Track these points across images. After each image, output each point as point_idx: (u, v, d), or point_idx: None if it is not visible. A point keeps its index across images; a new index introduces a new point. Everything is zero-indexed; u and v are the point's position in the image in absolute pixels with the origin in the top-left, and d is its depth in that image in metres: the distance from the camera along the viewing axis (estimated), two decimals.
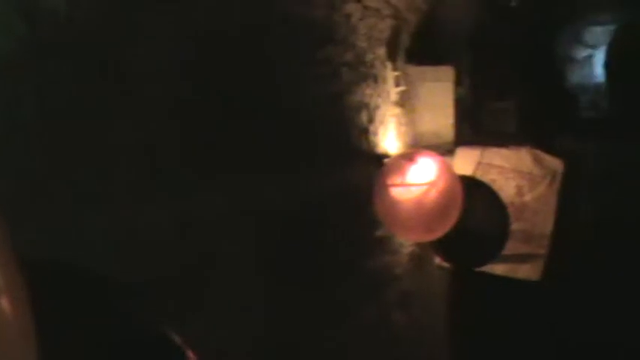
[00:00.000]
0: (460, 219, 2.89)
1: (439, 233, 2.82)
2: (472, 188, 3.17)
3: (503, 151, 3.67)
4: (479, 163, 3.60)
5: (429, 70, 3.75)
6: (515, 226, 3.55)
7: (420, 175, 2.88)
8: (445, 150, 3.67)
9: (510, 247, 3.54)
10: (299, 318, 2.37)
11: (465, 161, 3.61)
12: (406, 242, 3.22)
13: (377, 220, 2.92)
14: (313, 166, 2.55)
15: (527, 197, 3.60)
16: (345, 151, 2.79)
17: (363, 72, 2.96)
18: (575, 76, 11.89)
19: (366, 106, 2.94)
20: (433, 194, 2.84)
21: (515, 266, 3.61)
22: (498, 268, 3.59)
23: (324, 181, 2.60)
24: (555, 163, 3.65)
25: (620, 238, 3.88)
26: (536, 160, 3.64)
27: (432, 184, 2.84)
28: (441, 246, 3.22)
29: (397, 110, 3.40)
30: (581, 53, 12.48)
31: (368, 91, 2.98)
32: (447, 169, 2.86)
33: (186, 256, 1.78)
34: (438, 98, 3.73)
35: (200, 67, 1.84)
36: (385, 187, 2.84)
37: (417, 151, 2.94)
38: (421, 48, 3.80)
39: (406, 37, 3.75)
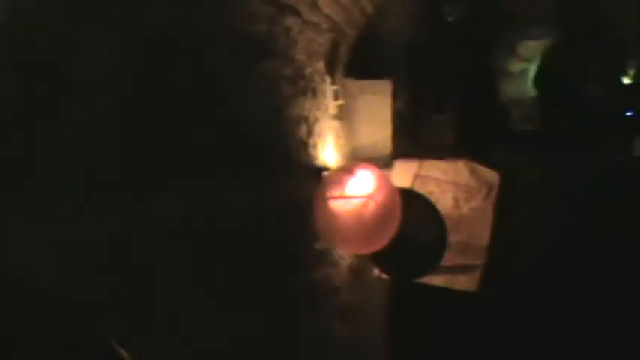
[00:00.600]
0: (398, 231, 2.95)
1: (378, 245, 2.88)
2: (410, 200, 3.25)
3: (441, 164, 3.77)
4: (417, 176, 3.69)
5: (367, 84, 3.83)
6: (452, 237, 3.64)
7: (359, 187, 2.94)
8: (383, 163, 3.75)
9: (448, 259, 3.63)
10: (239, 330, 2.40)
11: (403, 174, 3.69)
12: (346, 254, 3.28)
13: (316, 232, 2.96)
14: (252, 180, 2.58)
15: (464, 209, 3.71)
16: (285, 164, 2.83)
17: (302, 85, 3.01)
18: (511, 90, 12.20)
19: (305, 119, 2.99)
20: (372, 207, 2.90)
21: (453, 277, 3.71)
22: (437, 279, 3.68)
23: (264, 194, 2.63)
24: (491, 176, 3.76)
25: (554, 248, 4.04)
26: (473, 173, 3.75)
27: (370, 197, 2.90)
28: (380, 258, 3.29)
29: (336, 123, 3.46)
30: (517, 67, 12.80)
31: (307, 105, 3.03)
32: (385, 182, 2.92)
33: (126, 268, 1.79)
34: (376, 111, 3.81)
35: (141, 80, 1.87)
36: (324, 199, 2.88)
37: (355, 164, 3.01)
38: (360, 62, 3.88)
39: (345, 51, 3.83)
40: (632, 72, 12.11)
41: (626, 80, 12.25)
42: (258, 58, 2.60)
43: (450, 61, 4.21)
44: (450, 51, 4.36)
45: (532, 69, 13.90)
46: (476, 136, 4.00)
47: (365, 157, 3.76)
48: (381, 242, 2.89)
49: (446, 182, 3.72)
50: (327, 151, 3.27)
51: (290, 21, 2.86)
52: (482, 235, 3.69)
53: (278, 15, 2.73)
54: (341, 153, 3.51)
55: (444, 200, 3.69)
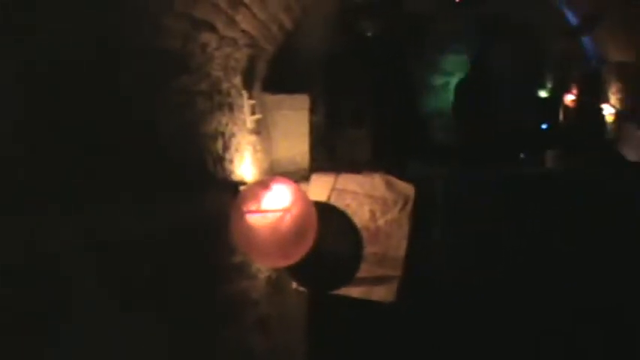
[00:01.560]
0: (314, 244, 3.06)
1: (294, 259, 2.98)
2: (326, 214, 3.36)
3: (357, 177, 3.91)
4: (333, 189, 3.80)
5: (285, 99, 3.94)
6: (369, 249, 3.77)
7: (275, 201, 3.03)
8: (301, 176, 3.86)
9: (365, 270, 3.76)
10: (157, 346, 2.45)
11: (320, 187, 3.80)
12: (263, 267, 3.37)
13: (234, 246, 3.04)
14: (168, 195, 2.63)
15: (381, 221, 3.84)
16: (201, 179, 2.90)
17: (218, 100, 3.09)
18: (432, 103, 12.55)
19: (222, 134, 3.07)
20: (288, 220, 3.00)
21: (370, 289, 3.83)
22: (354, 291, 3.80)
23: (180, 210, 2.69)
24: (407, 188, 3.90)
25: (471, 261, 4.23)
26: (389, 186, 3.88)
27: (286, 211, 2.99)
28: (297, 271, 3.39)
29: (253, 138, 3.55)
30: (439, 81, 13.17)
31: (223, 120, 3.11)
32: (301, 196, 3.03)
33: (41, 289, 1.83)
34: (294, 126, 3.92)
35: (53, 96, 1.91)
36: (241, 214, 2.97)
37: (271, 179, 3.10)
38: (278, 76, 3.99)
39: (263, 66, 3.93)
40: (549, 85, 12.63)
41: (543, 93, 12.77)
42: (174, 73, 2.66)
43: (369, 76, 4.36)
44: (368, 65, 4.51)
45: (453, 82, 14.33)
46: (393, 149, 4.14)
47: (283, 170, 3.86)
48: (297, 255, 2.98)
49: (362, 195, 3.84)
50: (244, 166, 3.35)
51: (206, 36, 2.93)
52: (399, 246, 3.82)
53: (194, 31, 2.80)
54: (259, 167, 3.60)
55: (360, 213, 3.81)
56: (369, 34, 5.09)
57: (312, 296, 3.84)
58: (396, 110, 4.59)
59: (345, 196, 3.83)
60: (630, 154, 7.87)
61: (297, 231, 3.00)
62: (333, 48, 4.50)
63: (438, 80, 13.96)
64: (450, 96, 13.97)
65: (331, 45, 4.56)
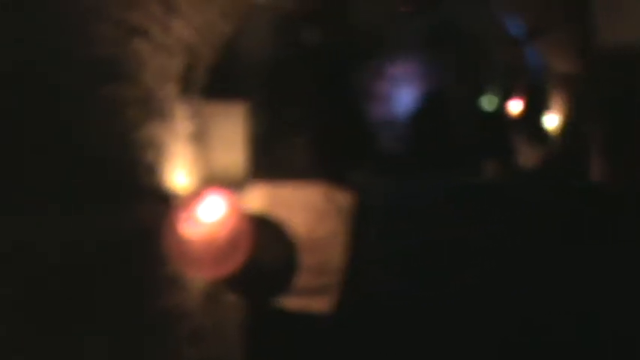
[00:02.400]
0: (249, 255, 3.05)
1: (228, 270, 2.97)
2: (261, 224, 3.35)
3: (295, 187, 3.92)
4: (270, 199, 3.80)
5: (223, 106, 3.91)
6: (307, 260, 3.78)
7: (210, 212, 3.02)
8: (238, 186, 3.84)
9: (303, 281, 3.77)
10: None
11: (257, 197, 3.79)
12: (198, 279, 3.35)
13: (166, 258, 3.01)
14: (99, 207, 2.60)
15: (319, 232, 3.86)
16: (132, 190, 2.87)
17: (151, 109, 3.06)
18: (378, 111, 12.64)
19: (154, 143, 3.04)
20: (222, 232, 2.99)
21: (309, 300, 3.83)
22: (292, 302, 3.80)
23: (110, 221, 2.66)
24: (345, 198, 3.92)
25: (410, 272, 4.27)
26: (328, 196, 3.90)
27: (220, 222, 2.98)
28: (232, 283, 3.37)
29: (189, 147, 3.52)
30: (385, 89, 13.27)
31: (157, 129, 3.08)
32: (236, 207, 3.02)
33: None
34: (231, 134, 3.90)
35: None
36: (175, 225, 2.95)
37: (205, 189, 3.08)
38: (216, 84, 3.96)
39: (201, 73, 3.90)
40: (494, 95, 12.86)
41: (489, 103, 12.98)
42: (103, 81, 2.63)
43: (311, 83, 4.35)
44: (310, 72, 4.50)
45: (401, 91, 14.47)
46: (333, 159, 4.15)
47: (220, 180, 3.83)
48: (230, 267, 2.98)
49: (299, 205, 3.84)
50: (179, 176, 3.32)
51: (139, 44, 2.90)
52: (337, 257, 3.83)
53: (126, 37, 2.78)
54: (194, 177, 3.57)
55: (298, 223, 3.81)
56: (312, 41, 5.08)
57: (250, 307, 3.82)
58: (338, 119, 4.58)
59: (282, 206, 3.82)
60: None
61: (232, 242, 3.00)
62: (275, 55, 4.49)
63: (385, 89, 14.11)
64: (397, 104, 14.14)
65: (273, 52, 4.55)
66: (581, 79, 8.47)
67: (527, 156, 9.83)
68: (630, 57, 6.45)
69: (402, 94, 14.05)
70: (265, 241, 3.35)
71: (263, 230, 3.35)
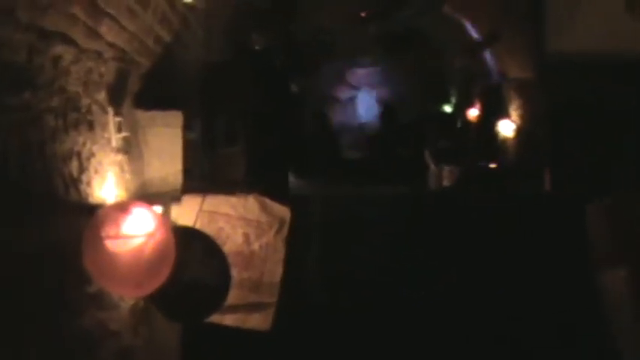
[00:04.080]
0: (178, 271, 2.94)
1: (150, 288, 2.85)
2: (190, 239, 3.25)
3: (231, 199, 3.83)
4: (205, 211, 3.71)
5: (158, 115, 3.82)
6: (243, 274, 3.71)
7: (136, 226, 2.90)
8: (173, 197, 3.73)
9: (239, 297, 3.68)
10: None
11: (191, 209, 3.69)
12: (125, 296, 3.22)
13: (90, 273, 2.88)
14: (11, 221, 2.47)
15: (255, 245, 3.77)
16: (50, 203, 2.74)
17: (74, 118, 2.94)
18: (336, 117, 12.56)
19: (78, 154, 2.92)
20: (148, 246, 2.87)
21: (244, 316, 3.74)
22: (228, 319, 3.70)
23: (25, 236, 2.53)
24: (283, 211, 3.84)
25: (348, 287, 4.19)
26: (264, 208, 3.82)
27: (147, 236, 2.86)
28: (160, 300, 3.25)
29: (119, 158, 3.40)
30: (345, 95, 13.25)
31: (80, 139, 2.96)
32: (163, 221, 2.90)
33: None
34: (167, 144, 3.80)
35: None
36: (98, 239, 2.82)
37: (131, 202, 2.97)
38: (151, 92, 3.85)
39: (135, 80, 3.78)
40: (453, 100, 12.87)
41: (448, 108, 13.00)
42: (15, 90, 2.49)
43: (251, 91, 4.26)
44: (252, 80, 4.41)
45: (360, 97, 14.46)
46: (272, 168, 4.07)
47: (155, 191, 3.73)
48: (153, 285, 2.87)
49: (236, 218, 3.76)
50: (107, 188, 3.19)
51: (59, 49, 2.78)
52: (275, 271, 3.76)
53: (42, 43, 2.65)
54: (126, 189, 3.45)
55: (234, 236, 3.75)
56: (257, 47, 4.99)
57: (184, 325, 3.71)
58: (282, 127, 4.50)
59: (217, 219, 3.73)
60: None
61: (159, 257, 2.88)
62: (216, 61, 4.39)
63: (344, 94, 14.08)
64: (356, 110, 14.10)
65: (214, 58, 4.44)
66: (533, 86, 8.51)
67: (480, 162, 9.84)
68: (578, 65, 6.50)
69: (361, 100, 14.02)
70: (196, 256, 3.24)
71: (194, 244, 3.24)
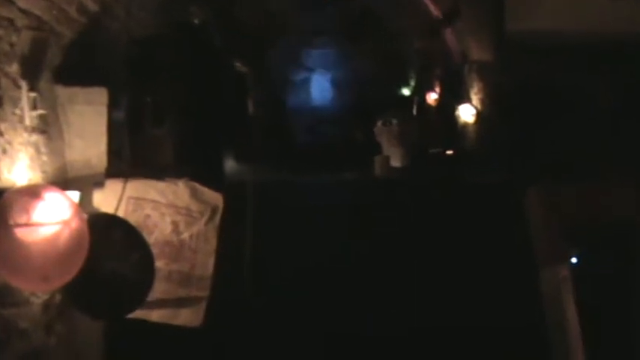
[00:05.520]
0: (95, 263, 2.81)
1: (59, 282, 2.73)
2: (110, 227, 3.12)
3: (159, 184, 3.69)
4: (131, 198, 3.58)
5: (80, 92, 3.68)
6: (172, 266, 3.61)
7: (50, 213, 2.75)
8: (95, 182, 3.59)
9: (167, 291, 3.59)
10: None
11: (115, 195, 3.56)
12: (35, 290, 3.06)
13: None
14: None
15: (185, 235, 3.67)
16: None
17: None
18: (290, 100, 12.40)
19: None
20: (62, 236, 2.72)
21: (173, 312, 3.63)
22: (155, 315, 3.59)
23: None
24: (215, 197, 3.75)
25: (286, 280, 4.10)
26: (195, 194, 3.72)
27: (60, 224, 2.72)
28: (76, 295, 3.10)
29: (34, 137, 3.24)
30: (299, 76, 13.09)
31: None
32: (78, 208, 2.76)
33: None
34: (90, 123, 3.68)
35: None
36: (1, 226, 2.66)
37: (43, 186, 2.82)
38: (74, 66, 3.69)
39: (56, 53, 3.61)
40: (412, 83, 12.82)
41: (406, 91, 12.95)
42: None
43: (185, 69, 4.11)
44: (187, 57, 4.26)
45: (315, 79, 14.33)
46: (205, 151, 3.94)
47: (75, 175, 3.58)
48: (71, 276, 2.72)
49: (164, 205, 3.65)
50: (18, 170, 3.03)
51: None
52: (206, 263, 3.67)
53: None
54: (42, 172, 3.29)
55: (162, 225, 3.63)
56: (195, 21, 4.83)
57: (104, 321, 3.57)
58: (218, 108, 4.36)
59: (143, 206, 3.61)
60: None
61: (73, 248, 2.74)
62: (147, 34, 4.22)
63: (299, 76, 13.90)
64: (311, 93, 13.95)
65: (145, 31, 4.28)
66: (494, 68, 8.48)
67: (437, 147, 9.79)
68: (538, 45, 6.47)
69: (315, 82, 13.87)
70: (116, 247, 3.10)
71: (115, 234, 3.11)
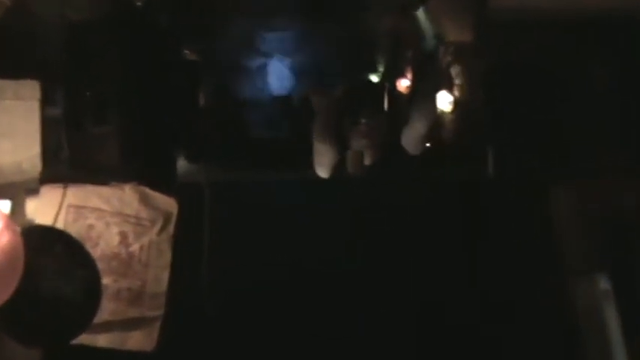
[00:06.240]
0: (31, 283, 2.74)
1: None
2: (49, 241, 3.06)
3: (103, 190, 3.65)
4: (70, 206, 3.55)
5: (8, 85, 3.62)
6: (121, 283, 3.56)
7: None
8: (28, 189, 3.53)
9: (115, 312, 3.53)
10: None
11: (52, 203, 3.53)
12: None
13: None
14: None
15: (135, 247, 3.62)
16: None
17: None
18: (245, 89, 12.39)
19: None
20: None
21: (123, 335, 3.60)
22: (101, 340, 3.56)
23: None
24: (169, 203, 3.74)
25: (247, 294, 4.09)
26: (145, 200, 3.69)
27: None
28: (8, 320, 3.03)
29: None
30: (254, 63, 13.08)
31: None
32: (7, 219, 2.69)
33: None
34: (20, 121, 3.62)
35: None
36: None
37: None
38: (1, 55, 3.62)
39: None
40: (380, 68, 12.85)
41: (374, 77, 12.98)
42: None
43: (128, 56, 4.04)
44: (130, 43, 4.18)
45: (273, 65, 14.30)
46: (155, 152, 3.89)
47: (5, 181, 3.53)
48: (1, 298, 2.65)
49: (109, 213, 3.61)
50: None
51: None
52: (160, 279, 3.65)
53: None
54: None
55: (108, 236, 3.59)
56: (138, 2, 4.75)
57: (43, 348, 3.51)
58: (167, 101, 4.29)
59: (85, 215, 3.58)
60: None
61: (4, 268, 2.65)
62: (85, 18, 4.14)
63: (253, 62, 13.88)
64: (268, 80, 13.94)
65: (82, 14, 4.20)
66: (475, 50, 8.50)
67: (411, 141, 9.81)
68: (527, 22, 6.50)
69: (273, 69, 13.86)
70: (56, 263, 3.04)
71: (53, 249, 3.04)
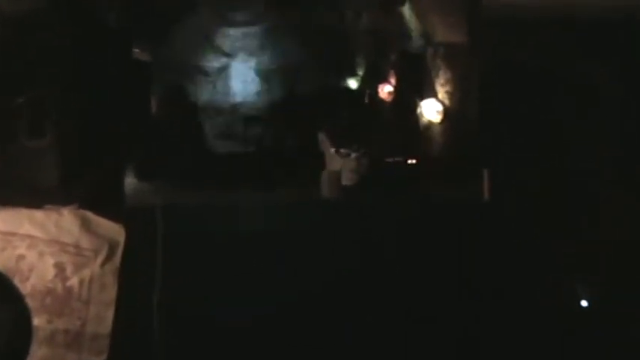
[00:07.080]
0: None
1: None
2: None
3: (37, 214, 3.63)
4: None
5: None
6: (56, 324, 3.52)
7: None
8: None
9: (50, 357, 3.47)
10: None
11: None
12: None
13: None
14: None
15: (73, 281, 3.59)
16: None
17: None
18: (202, 95, 12.32)
19: None
20: None
21: None
22: None
23: None
24: (114, 230, 3.71)
25: (205, 332, 4.05)
26: (86, 226, 3.67)
27: None
28: None
29: None
30: (213, 64, 13.03)
31: None
32: None
33: None
34: None
35: None
36: None
37: None
38: None
39: None
40: (360, 72, 12.84)
41: (352, 82, 12.96)
42: None
43: (70, 58, 4.00)
44: (72, 42, 4.15)
45: (235, 66, 14.22)
46: (96, 169, 3.85)
47: None
48: None
49: (44, 241, 3.59)
50: None
51: None
52: (102, 317, 3.62)
53: None
54: None
55: (41, 268, 3.56)
56: None
57: None
58: (114, 110, 4.26)
59: (15, 244, 3.55)
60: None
61: None
62: (18, 13, 4.11)
63: (212, 64, 13.82)
64: (231, 84, 13.88)
65: (16, 8, 4.16)
66: (467, 52, 8.56)
67: (392, 156, 9.85)
68: (516, 20, 6.59)
69: (235, 71, 13.83)
70: None
71: None
